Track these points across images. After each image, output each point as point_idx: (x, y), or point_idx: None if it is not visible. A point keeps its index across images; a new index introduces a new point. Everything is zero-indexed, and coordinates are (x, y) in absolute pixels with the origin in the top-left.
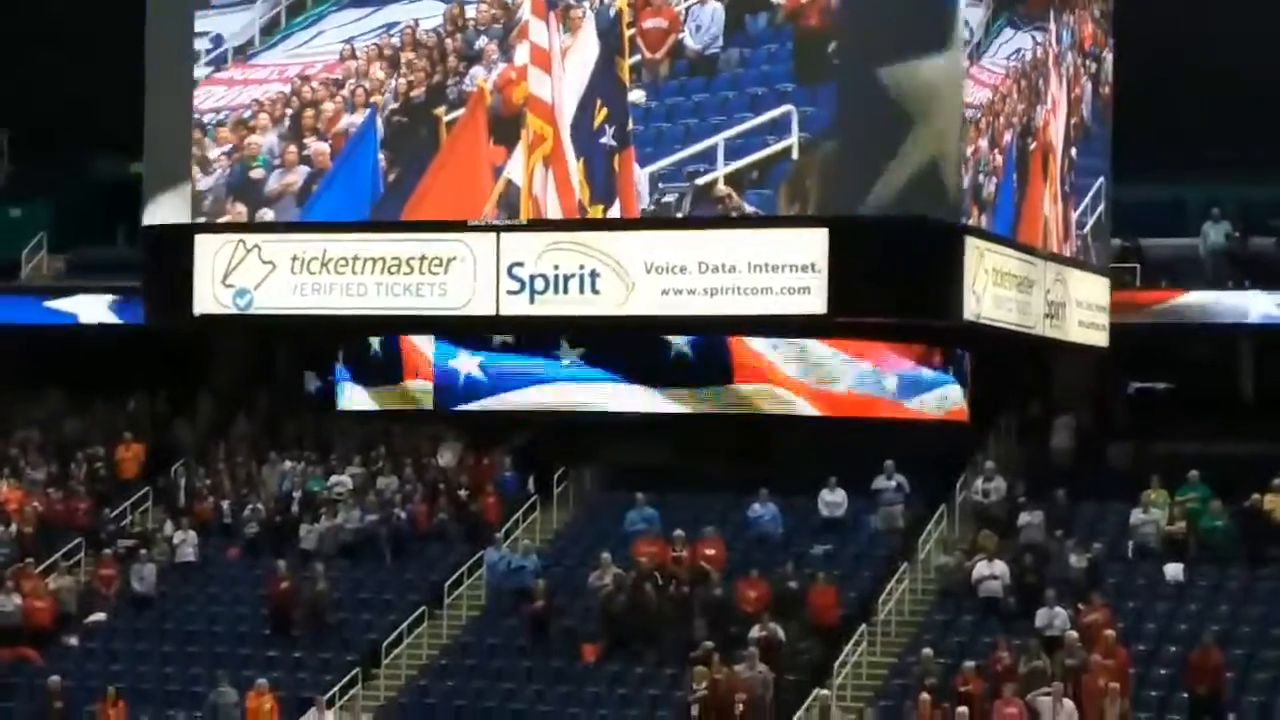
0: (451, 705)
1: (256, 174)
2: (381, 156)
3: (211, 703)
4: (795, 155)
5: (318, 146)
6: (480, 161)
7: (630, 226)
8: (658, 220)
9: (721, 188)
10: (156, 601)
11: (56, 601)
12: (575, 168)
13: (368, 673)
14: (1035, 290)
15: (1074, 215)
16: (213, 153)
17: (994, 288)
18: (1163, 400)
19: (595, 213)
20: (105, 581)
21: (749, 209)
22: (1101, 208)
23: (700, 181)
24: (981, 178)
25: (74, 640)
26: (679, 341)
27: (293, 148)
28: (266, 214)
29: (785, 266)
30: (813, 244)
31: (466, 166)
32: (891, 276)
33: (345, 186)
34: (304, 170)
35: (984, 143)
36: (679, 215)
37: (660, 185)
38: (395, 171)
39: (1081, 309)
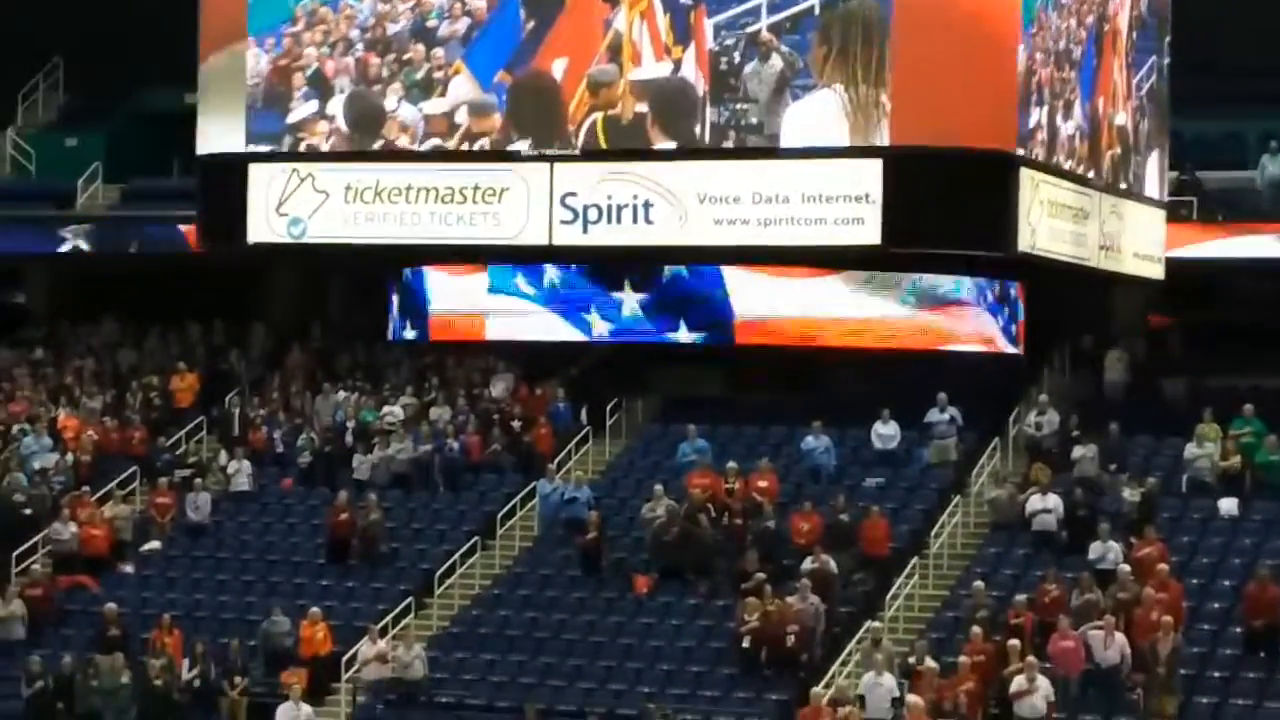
0: (504, 635)
1: (430, 24)
2: (522, 10)
3: (265, 631)
4: (817, 11)
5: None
6: (594, 16)
7: (684, 157)
8: (712, 151)
9: (765, 34)
10: (211, 530)
11: (112, 530)
12: (663, 22)
13: (420, 602)
14: (1090, 222)
15: (1134, 80)
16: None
17: (1049, 219)
18: (1218, 334)
19: (677, 54)
20: (161, 510)
21: (784, 49)
22: (1153, 80)
23: (749, 30)
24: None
25: (130, 568)
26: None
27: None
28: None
29: (839, 198)
30: (867, 175)
31: (583, 20)
32: (946, 208)
33: (495, 36)
34: (465, 21)
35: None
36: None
37: (721, 33)
38: (531, 23)
39: (1137, 241)
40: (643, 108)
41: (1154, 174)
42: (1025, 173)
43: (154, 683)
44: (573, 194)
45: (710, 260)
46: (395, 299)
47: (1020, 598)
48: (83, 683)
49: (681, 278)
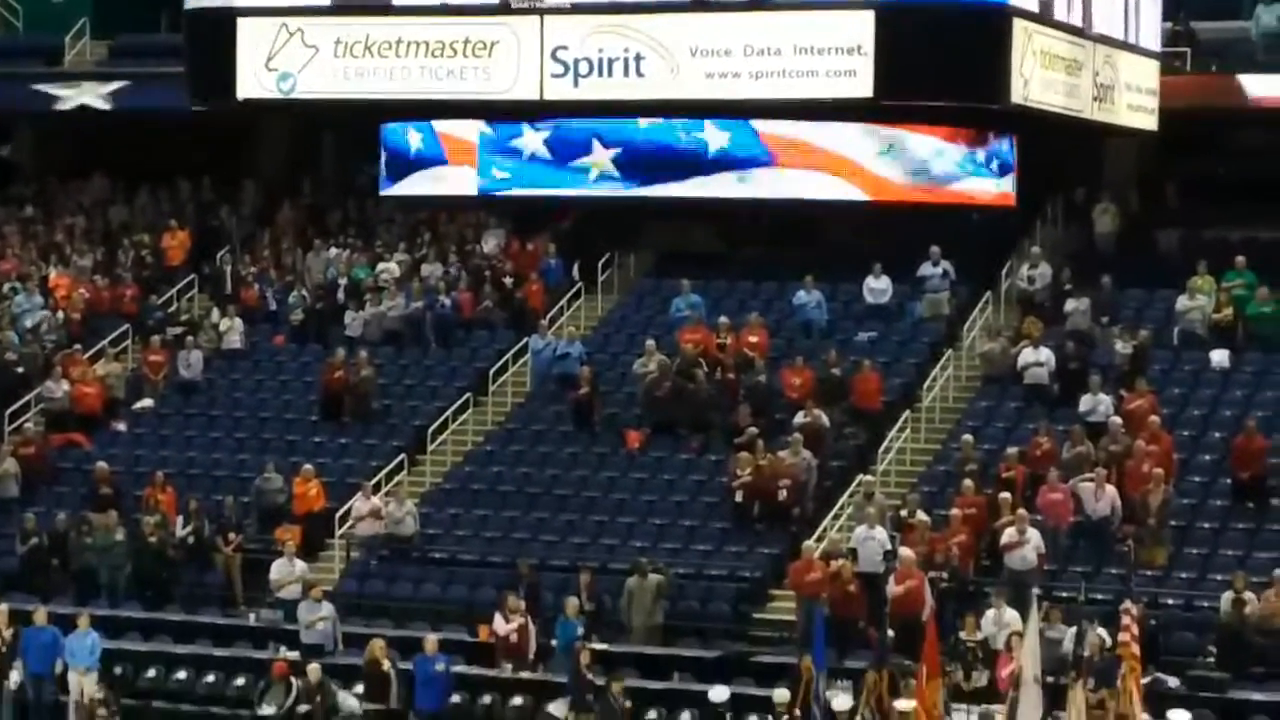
0: (496, 491)
1: None
2: None
3: (258, 487)
4: None
5: None
6: None
7: (675, 10)
8: (703, 4)
9: None
10: (203, 387)
11: (105, 387)
12: None
13: (413, 459)
14: (1084, 73)
15: None
16: None
17: (1042, 70)
18: (1211, 186)
19: None
20: (153, 368)
21: None
22: None
23: None
24: None
25: (122, 426)
26: (717, 137)
27: None
28: None
29: (831, 49)
30: (859, 26)
31: None
32: (938, 59)
33: None
34: None
35: None
36: None
37: None
38: None
39: (1130, 92)
40: None
41: (1149, 24)
42: (1018, 23)
43: (148, 540)
44: (564, 47)
45: (701, 114)
46: (385, 154)
47: (1011, 450)
48: (76, 540)
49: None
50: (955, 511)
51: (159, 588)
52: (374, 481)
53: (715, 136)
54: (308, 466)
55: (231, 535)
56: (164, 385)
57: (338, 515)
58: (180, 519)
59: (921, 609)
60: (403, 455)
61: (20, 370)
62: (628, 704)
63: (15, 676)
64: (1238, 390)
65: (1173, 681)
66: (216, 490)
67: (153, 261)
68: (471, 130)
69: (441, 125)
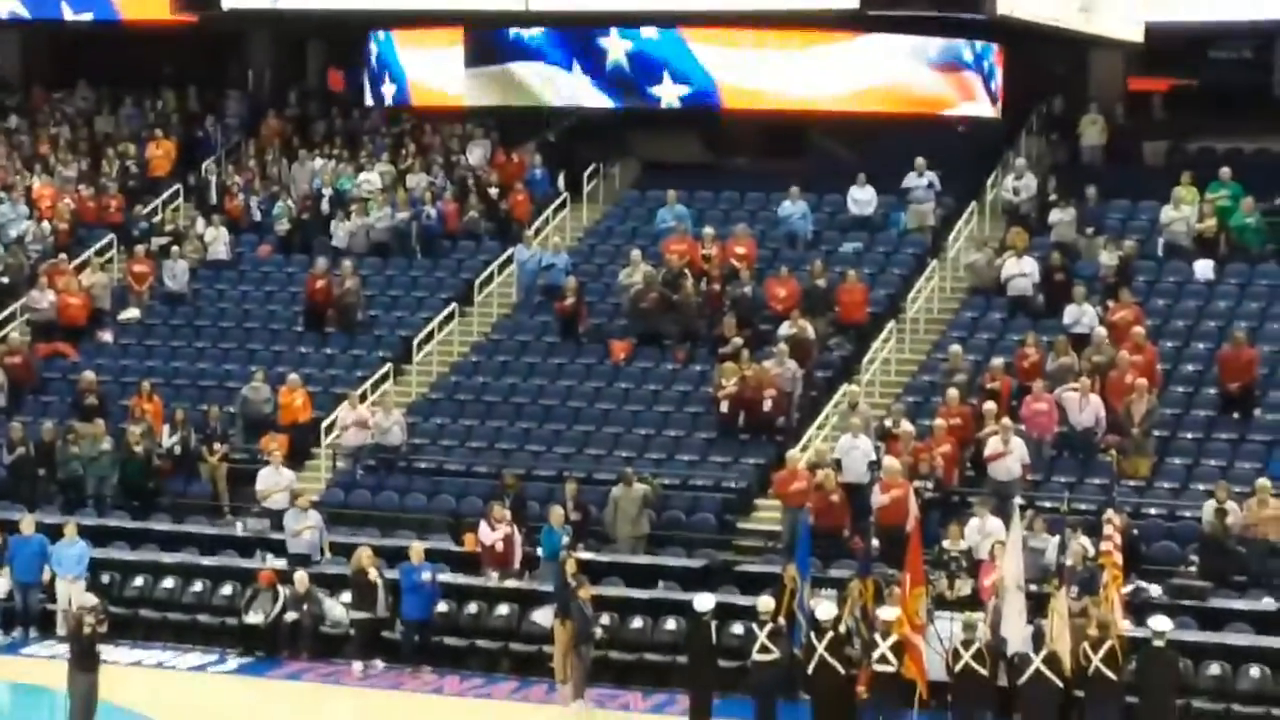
0: (481, 401)
1: None
2: None
3: (244, 397)
4: None
5: None
6: None
7: None
8: None
9: None
10: (189, 298)
11: (90, 298)
12: None
13: (399, 369)
14: None
15: None
16: None
17: None
18: (1197, 98)
19: None
20: (138, 278)
21: None
22: None
23: None
24: None
25: (108, 336)
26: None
27: None
28: None
29: None
30: None
31: None
32: None
33: None
34: None
35: None
36: None
37: None
38: None
39: (1116, 3)
40: None
41: None
42: None
43: (134, 449)
44: None
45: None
46: (372, 64)
47: (996, 361)
48: (63, 450)
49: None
50: (940, 422)
51: (145, 497)
52: (360, 392)
53: None
54: (294, 376)
55: (217, 445)
56: (149, 296)
57: (324, 425)
58: (166, 429)
59: (905, 519)
60: (389, 365)
61: (5, 280)
62: (597, 614)
63: (3, 585)
64: (1221, 301)
65: (1154, 590)
66: (202, 400)
67: (138, 172)
68: (456, 38)
69: (427, 32)
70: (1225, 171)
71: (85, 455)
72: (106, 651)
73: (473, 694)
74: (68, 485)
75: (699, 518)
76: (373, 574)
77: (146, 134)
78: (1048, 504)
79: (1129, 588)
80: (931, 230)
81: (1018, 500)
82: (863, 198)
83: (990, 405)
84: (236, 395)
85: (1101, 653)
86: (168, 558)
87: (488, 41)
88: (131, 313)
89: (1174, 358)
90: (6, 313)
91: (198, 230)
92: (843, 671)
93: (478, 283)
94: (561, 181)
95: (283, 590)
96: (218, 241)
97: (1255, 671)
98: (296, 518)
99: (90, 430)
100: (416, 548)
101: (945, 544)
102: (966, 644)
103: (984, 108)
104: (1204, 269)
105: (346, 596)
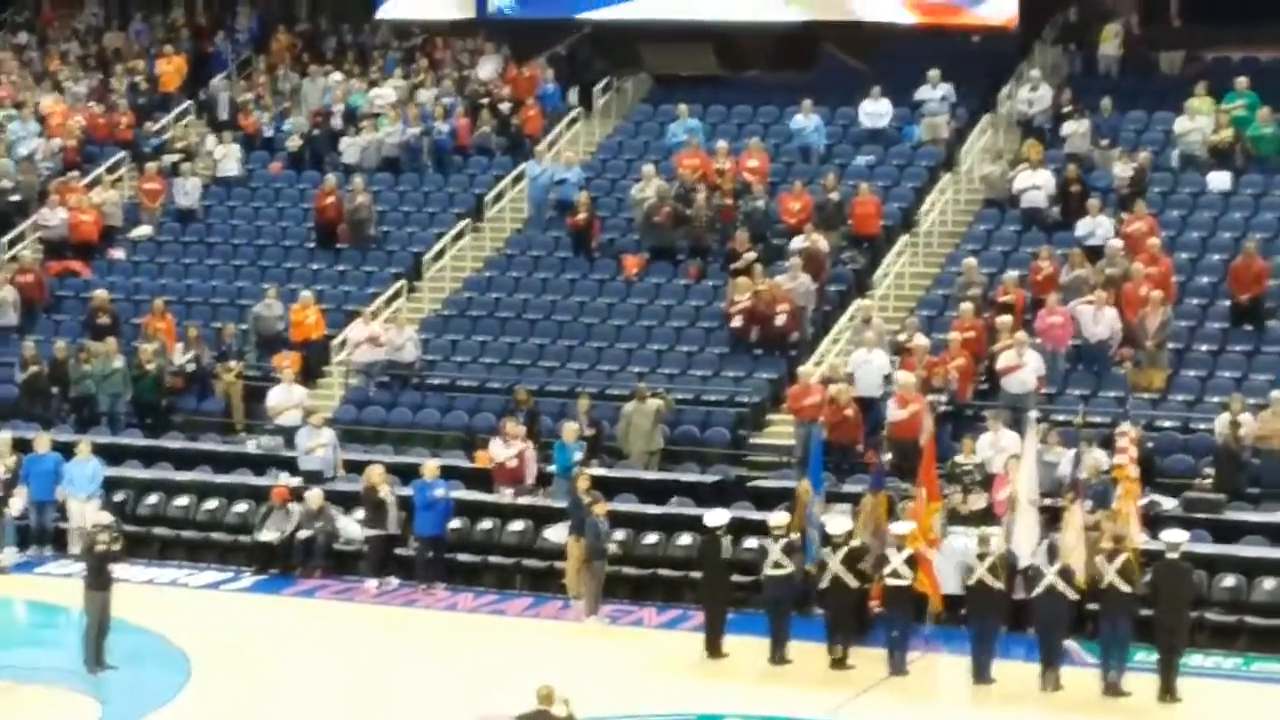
0: (494, 317)
1: None
2: None
3: (257, 314)
4: None
5: None
6: None
7: None
8: None
9: None
10: (200, 215)
11: (101, 215)
12: None
13: (411, 285)
14: None
15: None
16: None
17: None
18: (1213, 7)
19: None
20: (149, 195)
21: None
22: None
23: None
24: None
25: (120, 254)
26: None
27: None
28: None
29: None
30: None
31: None
32: None
33: None
34: None
35: None
36: None
37: None
38: None
39: None
40: None
41: None
42: None
43: (147, 367)
44: None
45: None
46: None
47: (1011, 274)
48: (76, 368)
49: None
50: (953, 335)
51: (158, 415)
52: (372, 308)
53: None
54: (306, 293)
55: (230, 362)
56: (161, 213)
57: (336, 342)
58: (179, 346)
59: (919, 433)
60: (401, 282)
61: (16, 198)
62: (610, 529)
63: (18, 503)
64: (1237, 213)
65: (1169, 503)
66: (215, 318)
67: (147, 88)
68: None
69: None
70: (1241, 81)
71: (98, 373)
72: (120, 570)
73: (486, 610)
74: (81, 403)
75: (712, 433)
76: (384, 491)
77: (156, 50)
78: (1062, 417)
79: (1143, 500)
80: (945, 142)
81: (1032, 413)
82: (876, 110)
83: (1004, 318)
84: (249, 312)
85: (1116, 566)
86: (181, 475)
87: None
88: (143, 230)
89: (1188, 269)
90: (18, 231)
91: (208, 147)
92: (856, 586)
93: (489, 198)
94: (573, 96)
95: (296, 507)
96: (229, 158)
97: (1270, 584)
98: (309, 435)
99: (103, 348)
100: (430, 464)
101: (959, 458)
102: (980, 558)
103: (998, 17)
104: (1219, 180)
105: (360, 514)
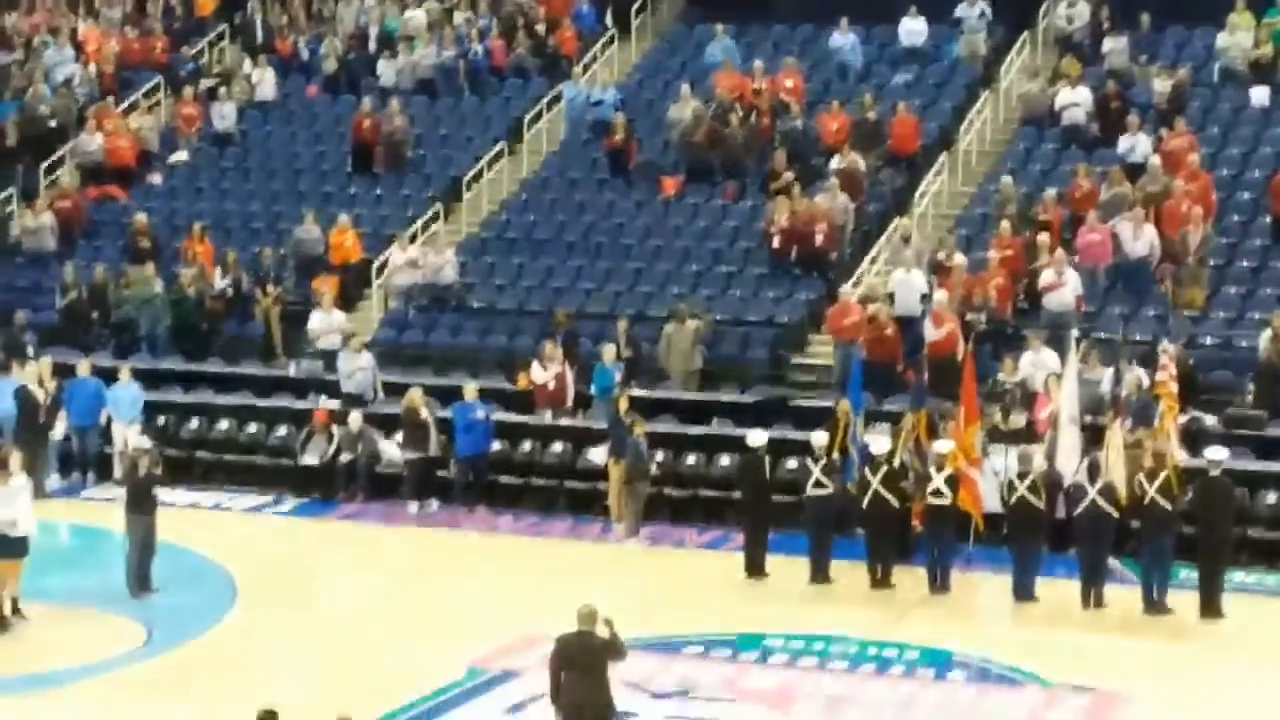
0: (532, 239)
1: None
2: None
3: (295, 238)
4: None
5: None
6: None
7: None
8: None
9: None
10: (237, 139)
11: (138, 140)
12: None
13: (448, 208)
14: None
15: None
16: None
17: None
18: None
19: None
20: (186, 120)
21: None
22: None
23: None
24: None
25: (157, 179)
26: None
27: None
28: None
29: None
30: None
31: None
32: None
33: None
34: None
35: None
36: None
37: None
38: None
39: None
40: None
41: None
42: None
43: (186, 292)
44: None
45: None
46: None
47: (1050, 192)
48: (115, 293)
49: None
50: (993, 254)
51: (198, 340)
52: (410, 232)
53: None
54: (344, 217)
55: (270, 287)
56: (197, 137)
57: (375, 265)
58: (218, 271)
59: (956, 351)
60: (438, 205)
61: (54, 124)
62: (651, 451)
63: (60, 428)
64: (1277, 128)
65: (1210, 420)
66: (253, 242)
67: (182, 12)
68: None
69: None
70: None
71: (137, 298)
72: (163, 494)
73: (528, 532)
74: (121, 329)
75: (752, 354)
76: (425, 414)
77: None
78: (1102, 335)
79: (1184, 418)
80: (983, 60)
81: (1072, 332)
82: (914, 28)
83: (1043, 236)
84: (287, 237)
85: (1157, 483)
86: (222, 400)
87: None
88: (180, 155)
89: (1229, 185)
90: (55, 156)
91: (244, 71)
92: (897, 505)
93: (526, 120)
94: (609, 17)
95: (337, 431)
96: (265, 82)
97: None
98: (349, 359)
99: (142, 273)
100: (469, 387)
101: (1000, 376)
102: (1021, 476)
103: None
104: (1260, 95)
105: (400, 437)
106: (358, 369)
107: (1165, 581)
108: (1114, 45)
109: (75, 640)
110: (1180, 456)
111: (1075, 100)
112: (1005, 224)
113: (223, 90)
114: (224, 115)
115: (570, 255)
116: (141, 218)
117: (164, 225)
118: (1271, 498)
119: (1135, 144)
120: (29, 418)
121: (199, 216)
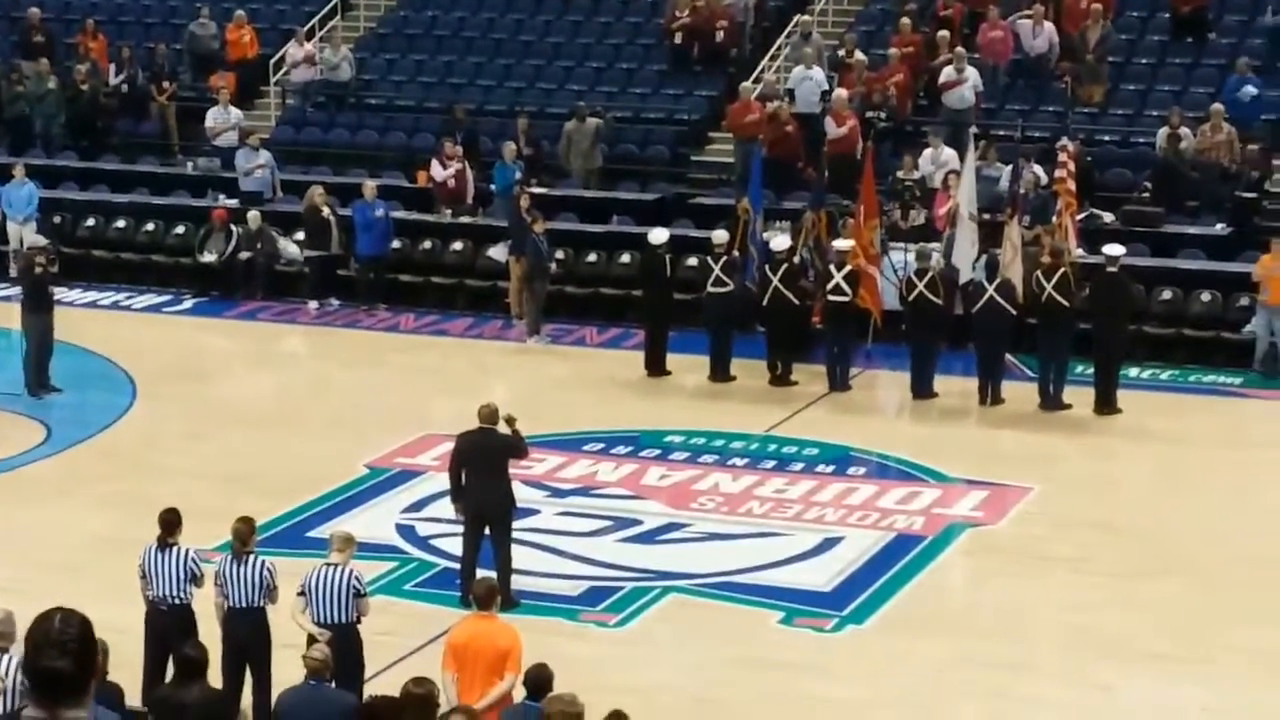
0: (431, 36)
1: None
2: None
3: (191, 33)
4: None
5: None
6: None
7: None
8: None
9: None
10: None
11: None
12: None
13: (346, 4)
14: None
15: None
16: None
17: None
18: None
19: None
20: None
21: None
22: None
23: None
24: None
25: None
26: None
27: None
28: None
29: None
30: None
31: None
32: None
33: None
34: None
35: None
36: None
37: None
38: None
39: None
40: None
41: None
42: None
43: (80, 88)
44: None
45: None
46: None
47: None
48: (8, 89)
49: None
50: (893, 51)
51: (94, 136)
52: (307, 28)
53: None
54: (240, 12)
55: (165, 83)
56: None
57: (272, 62)
58: (113, 66)
59: (856, 149)
60: (335, 0)
61: None
62: (552, 249)
63: None
64: None
65: (1107, 217)
66: (148, 37)
67: None
68: None
69: None
70: None
71: (31, 94)
72: (61, 292)
73: (428, 330)
74: (14, 125)
75: (652, 151)
76: (325, 211)
77: None
78: (1002, 132)
79: (1082, 214)
80: None
81: (971, 129)
82: None
83: (944, 33)
84: (183, 32)
85: (1054, 280)
86: (119, 198)
87: None
88: None
89: None
90: None
91: None
92: (797, 303)
93: None
94: None
95: (236, 229)
96: None
97: (1206, 296)
98: (247, 156)
99: (36, 68)
100: (369, 185)
101: (899, 174)
102: (920, 273)
103: None
104: None
105: (300, 234)
106: (256, 167)
107: (1062, 377)
108: None
109: None
110: (1078, 253)
111: None
112: (905, 20)
113: None
114: None
115: (469, 52)
116: (36, 10)
117: (58, 20)
118: (1167, 294)
119: None
120: None
121: (92, 11)
